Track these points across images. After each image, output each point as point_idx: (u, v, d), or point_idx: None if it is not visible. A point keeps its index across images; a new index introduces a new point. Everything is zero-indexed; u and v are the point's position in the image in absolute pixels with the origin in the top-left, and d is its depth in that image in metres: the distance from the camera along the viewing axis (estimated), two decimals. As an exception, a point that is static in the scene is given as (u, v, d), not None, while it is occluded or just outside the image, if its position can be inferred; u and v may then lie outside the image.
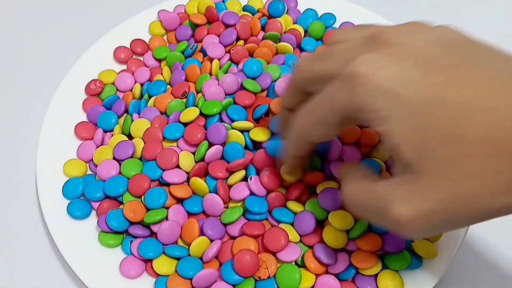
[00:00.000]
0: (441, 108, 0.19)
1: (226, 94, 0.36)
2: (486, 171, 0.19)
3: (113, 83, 0.39)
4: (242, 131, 0.33)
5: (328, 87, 0.23)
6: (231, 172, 0.32)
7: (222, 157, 0.33)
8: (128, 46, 0.42)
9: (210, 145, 0.33)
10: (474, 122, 0.19)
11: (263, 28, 0.41)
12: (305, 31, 0.42)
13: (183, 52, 0.40)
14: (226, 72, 0.37)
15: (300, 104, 0.26)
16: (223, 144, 0.33)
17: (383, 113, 0.20)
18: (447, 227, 0.21)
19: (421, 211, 0.20)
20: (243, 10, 0.43)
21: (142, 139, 0.34)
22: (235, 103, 0.35)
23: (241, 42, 0.39)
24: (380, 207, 0.22)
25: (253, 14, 0.42)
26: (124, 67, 0.41)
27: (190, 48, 0.40)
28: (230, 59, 0.38)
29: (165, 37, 0.43)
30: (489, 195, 0.19)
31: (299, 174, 0.31)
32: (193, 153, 0.34)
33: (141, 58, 0.41)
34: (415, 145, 0.20)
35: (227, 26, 0.40)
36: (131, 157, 0.34)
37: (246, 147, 0.33)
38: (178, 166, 0.33)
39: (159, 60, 0.41)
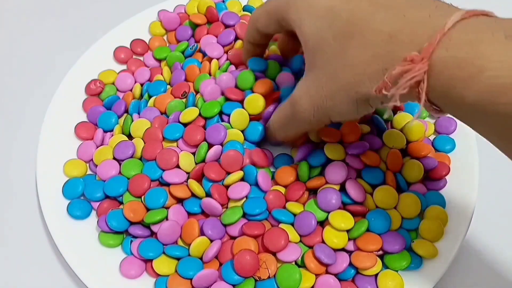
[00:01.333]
0: (345, 12, 0.24)
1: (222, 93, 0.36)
2: (361, 62, 0.23)
3: (113, 83, 0.39)
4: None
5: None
6: (227, 173, 0.32)
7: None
8: (128, 46, 0.42)
9: (210, 145, 0.33)
10: (366, 25, 0.23)
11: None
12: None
13: (183, 52, 0.40)
14: (225, 72, 0.37)
15: (257, 39, 0.33)
16: (223, 144, 0.33)
17: (301, 17, 0.26)
18: (323, 110, 0.26)
19: (309, 95, 0.27)
20: (243, 10, 0.43)
21: (142, 139, 0.34)
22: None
23: (239, 42, 0.39)
24: (292, 101, 0.28)
25: (253, 14, 0.42)
26: (124, 67, 0.41)
27: (190, 48, 0.40)
28: (228, 59, 0.38)
29: (165, 37, 0.43)
30: (360, 82, 0.24)
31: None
32: (193, 153, 0.34)
33: (141, 58, 0.41)
34: (316, 42, 0.25)
35: (227, 26, 0.40)
36: (131, 157, 0.34)
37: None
38: (178, 166, 0.33)
39: (159, 60, 0.41)
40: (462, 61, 0.20)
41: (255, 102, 0.34)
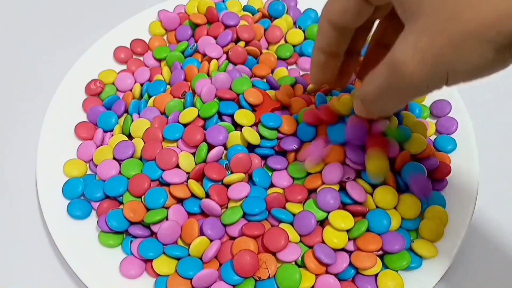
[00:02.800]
0: None
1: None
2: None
3: (113, 83, 0.39)
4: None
5: None
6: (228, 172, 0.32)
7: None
8: (128, 46, 0.42)
9: (210, 146, 0.33)
10: None
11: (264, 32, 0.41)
12: (304, 31, 0.42)
13: (183, 52, 0.40)
14: (224, 71, 0.37)
15: (334, 44, 0.27)
16: (225, 146, 0.33)
17: None
18: (442, 65, 0.20)
19: (419, 49, 0.20)
20: (243, 10, 0.43)
21: (142, 139, 0.34)
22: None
23: (241, 43, 0.39)
24: (390, 64, 0.22)
25: (253, 14, 0.42)
26: (124, 67, 0.41)
27: (190, 48, 0.40)
28: (228, 59, 0.38)
29: (165, 37, 0.43)
30: (504, 18, 0.18)
31: (328, 77, 0.29)
32: (193, 154, 0.34)
33: (141, 58, 0.41)
34: None
35: (227, 26, 0.40)
36: (131, 157, 0.34)
37: (248, 147, 0.33)
38: (178, 166, 0.33)
39: (159, 60, 0.41)
40: None
41: (247, 117, 0.34)
